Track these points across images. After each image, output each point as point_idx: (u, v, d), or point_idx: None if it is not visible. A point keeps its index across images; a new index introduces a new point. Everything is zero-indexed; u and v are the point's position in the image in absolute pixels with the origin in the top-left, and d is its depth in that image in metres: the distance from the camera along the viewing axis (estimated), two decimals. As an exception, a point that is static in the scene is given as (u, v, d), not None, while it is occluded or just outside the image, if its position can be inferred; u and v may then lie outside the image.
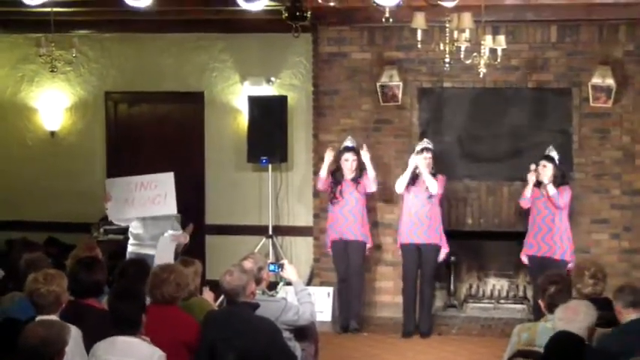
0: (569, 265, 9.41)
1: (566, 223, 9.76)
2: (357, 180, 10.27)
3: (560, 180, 9.71)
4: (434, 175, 9.99)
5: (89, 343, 5.73)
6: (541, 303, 6.43)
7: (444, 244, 10.15)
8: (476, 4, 8.15)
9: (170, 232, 9.58)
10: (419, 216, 10.05)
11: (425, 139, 10.18)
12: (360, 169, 10.29)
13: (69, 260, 7.44)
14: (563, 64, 10.53)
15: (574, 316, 5.54)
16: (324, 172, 10.34)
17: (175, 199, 9.57)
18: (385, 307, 10.87)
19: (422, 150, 10.01)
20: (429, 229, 10.03)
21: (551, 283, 6.38)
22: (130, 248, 9.68)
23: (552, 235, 9.68)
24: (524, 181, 9.99)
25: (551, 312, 6.11)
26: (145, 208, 9.59)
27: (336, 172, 10.34)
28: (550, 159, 9.72)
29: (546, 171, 9.69)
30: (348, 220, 10.27)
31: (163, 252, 9.20)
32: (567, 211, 9.77)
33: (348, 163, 10.25)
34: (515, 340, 6.24)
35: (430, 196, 10.01)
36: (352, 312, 10.34)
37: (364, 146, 10.24)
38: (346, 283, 10.37)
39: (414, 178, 10.06)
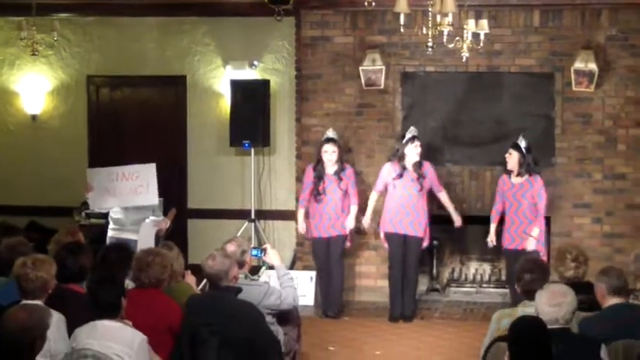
0: (541, 255, 9.41)
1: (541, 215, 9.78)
2: (339, 174, 10.20)
3: (526, 168, 9.69)
4: (420, 163, 9.98)
5: (72, 328, 5.69)
6: (517, 289, 6.42)
7: (427, 237, 10.14)
8: (459, -13, 8.13)
9: (151, 217, 9.57)
10: (405, 207, 9.99)
11: (412, 127, 10.11)
12: (342, 161, 10.24)
13: (51, 245, 7.41)
14: (545, 49, 10.53)
15: (563, 299, 5.47)
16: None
17: (157, 190, 9.56)
18: (367, 292, 10.88)
19: (412, 138, 9.95)
20: (414, 221, 9.98)
21: (526, 271, 6.35)
22: (110, 233, 9.66)
23: (525, 228, 9.68)
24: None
25: (529, 298, 6.09)
26: (127, 198, 9.57)
27: (317, 166, 10.26)
28: (516, 147, 9.70)
29: (511, 159, 9.70)
30: (331, 217, 10.21)
31: (146, 238, 9.19)
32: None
33: (328, 154, 10.12)
34: (495, 327, 6.20)
35: (420, 190, 9.99)
36: (331, 301, 10.32)
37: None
38: (326, 272, 10.33)
39: (402, 170, 10.01)
